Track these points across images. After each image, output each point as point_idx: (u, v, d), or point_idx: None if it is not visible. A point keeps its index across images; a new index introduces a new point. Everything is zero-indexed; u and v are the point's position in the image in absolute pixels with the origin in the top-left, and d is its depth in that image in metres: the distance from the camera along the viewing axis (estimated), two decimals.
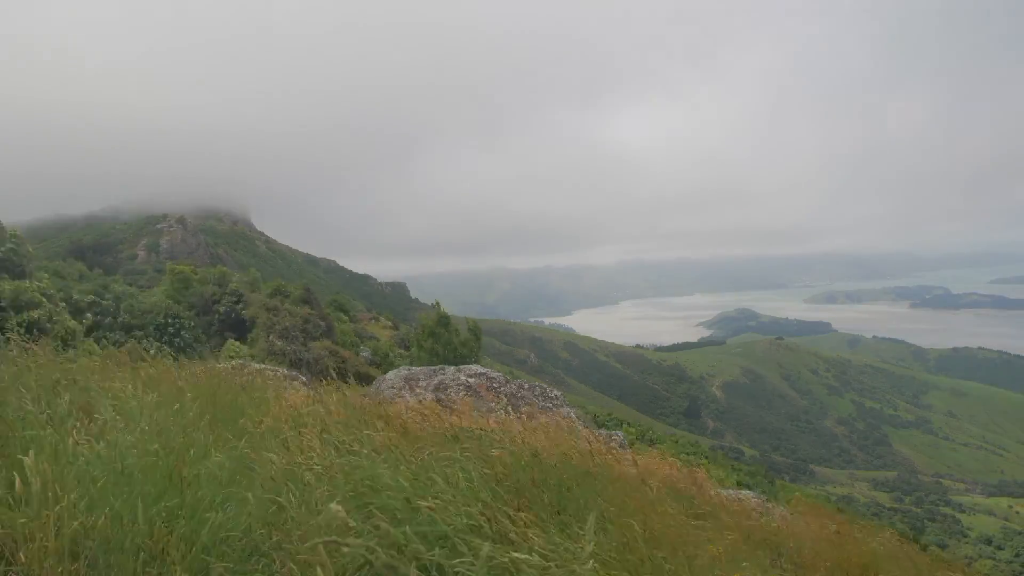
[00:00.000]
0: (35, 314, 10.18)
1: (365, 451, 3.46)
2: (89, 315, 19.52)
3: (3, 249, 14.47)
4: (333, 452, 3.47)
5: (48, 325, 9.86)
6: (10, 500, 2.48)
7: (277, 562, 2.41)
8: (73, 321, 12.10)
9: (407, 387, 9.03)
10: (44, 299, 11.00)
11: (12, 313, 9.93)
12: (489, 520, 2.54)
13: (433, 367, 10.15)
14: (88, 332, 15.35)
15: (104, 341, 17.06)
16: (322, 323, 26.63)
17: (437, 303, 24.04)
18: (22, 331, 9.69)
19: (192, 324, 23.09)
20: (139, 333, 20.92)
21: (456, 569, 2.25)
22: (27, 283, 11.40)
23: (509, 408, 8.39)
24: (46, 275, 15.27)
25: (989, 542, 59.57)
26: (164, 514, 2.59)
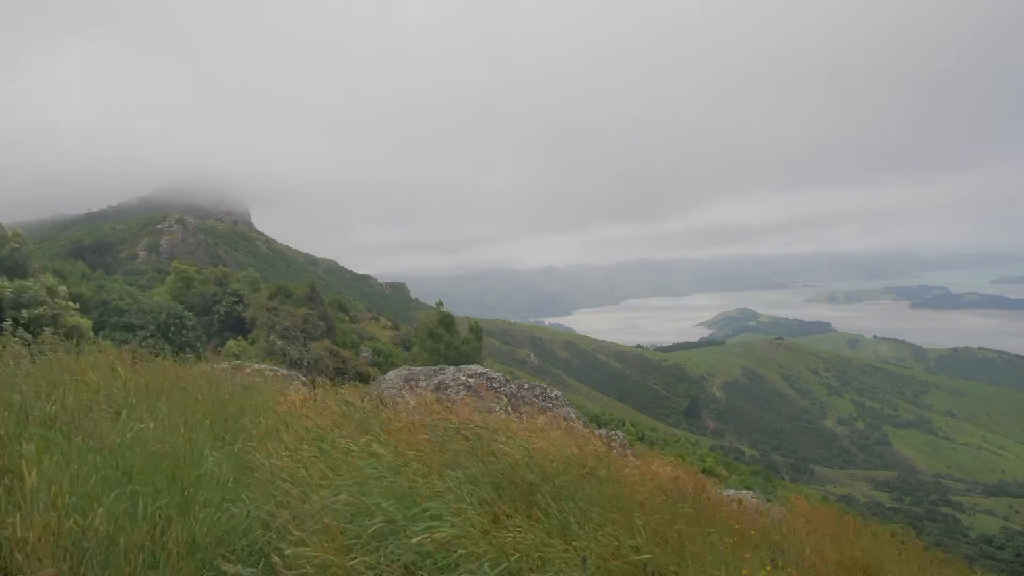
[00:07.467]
0: (38, 311, 10.18)
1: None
2: (96, 313, 19.60)
3: (6, 249, 14.47)
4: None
5: (47, 326, 9.84)
6: (8, 500, 2.47)
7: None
8: (81, 319, 12.10)
9: (407, 387, 9.03)
10: (47, 297, 10.99)
11: (17, 312, 9.92)
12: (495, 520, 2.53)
13: (433, 367, 10.15)
14: (96, 330, 15.38)
15: (109, 340, 17.08)
16: (322, 323, 26.60)
17: (439, 303, 24.09)
18: (23, 328, 9.69)
19: (194, 323, 23.08)
20: (142, 332, 20.92)
21: None
22: (29, 282, 11.39)
23: (509, 408, 8.38)
24: (52, 276, 15.26)
25: (989, 542, 59.51)
26: (163, 514, 2.58)
